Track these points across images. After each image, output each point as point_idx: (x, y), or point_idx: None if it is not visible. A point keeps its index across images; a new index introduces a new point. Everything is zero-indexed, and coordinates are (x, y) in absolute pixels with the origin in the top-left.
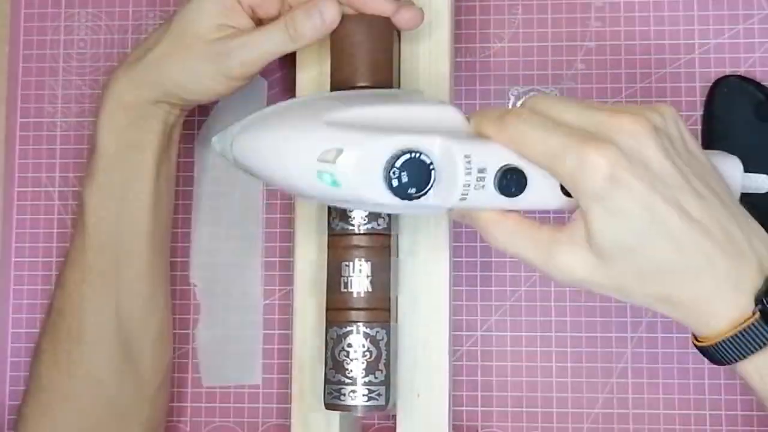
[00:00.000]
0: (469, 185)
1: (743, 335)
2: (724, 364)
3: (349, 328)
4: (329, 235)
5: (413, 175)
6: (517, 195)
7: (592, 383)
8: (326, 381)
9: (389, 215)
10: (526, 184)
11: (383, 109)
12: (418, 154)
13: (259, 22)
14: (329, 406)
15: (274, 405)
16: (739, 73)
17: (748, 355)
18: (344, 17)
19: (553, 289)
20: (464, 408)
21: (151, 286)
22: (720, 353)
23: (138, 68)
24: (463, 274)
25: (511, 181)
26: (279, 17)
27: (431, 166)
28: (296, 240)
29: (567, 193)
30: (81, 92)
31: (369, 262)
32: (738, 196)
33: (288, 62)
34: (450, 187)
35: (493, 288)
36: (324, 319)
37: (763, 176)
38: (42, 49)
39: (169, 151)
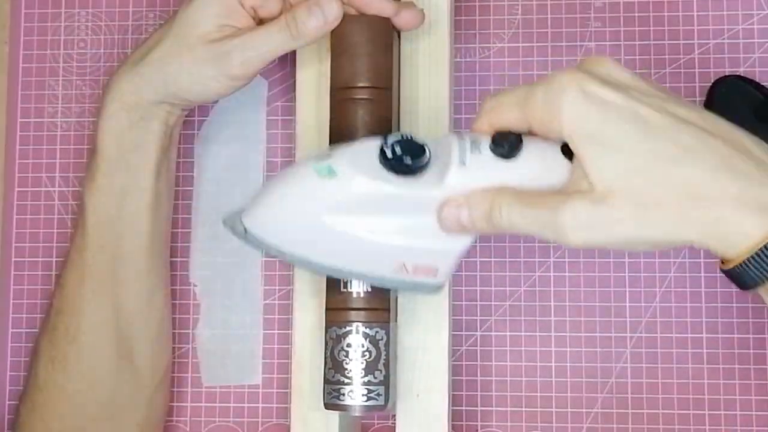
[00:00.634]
0: (465, 150)
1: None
2: (750, 288)
3: (348, 328)
4: None
5: (407, 149)
6: (513, 155)
7: (592, 383)
8: (326, 381)
9: None
10: (521, 143)
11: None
12: (409, 136)
13: (261, 22)
14: (329, 406)
15: (274, 405)
16: (738, 73)
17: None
18: (344, 17)
19: (552, 289)
20: (464, 408)
21: (150, 286)
22: (746, 273)
23: (140, 69)
24: (463, 274)
25: (505, 141)
26: (280, 16)
27: (425, 145)
28: None
29: (567, 155)
30: (81, 92)
31: None
32: None
33: (288, 62)
34: (446, 157)
35: (493, 288)
36: (324, 319)
37: None
38: (42, 49)
39: (169, 152)
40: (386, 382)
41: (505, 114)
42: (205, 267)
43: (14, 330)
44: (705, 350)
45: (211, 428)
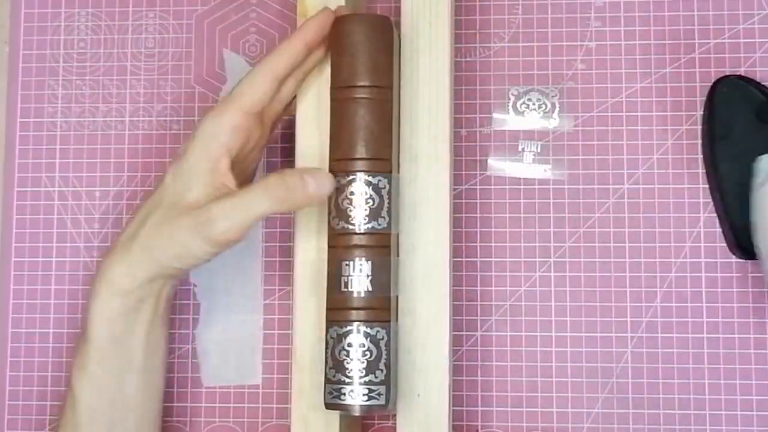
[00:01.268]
0: None
1: None
2: None
3: (349, 328)
4: (329, 235)
5: None
6: None
7: (593, 383)
8: (326, 381)
9: (390, 214)
10: None
11: None
12: None
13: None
14: (329, 406)
15: (274, 405)
16: (739, 73)
17: None
18: (344, 17)
19: (553, 289)
20: (464, 408)
21: None
22: None
23: (132, 249)
24: (463, 274)
25: None
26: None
27: None
28: (296, 240)
29: None
30: (81, 92)
31: (369, 262)
32: None
33: None
34: None
35: (493, 288)
36: (324, 319)
37: None
38: (42, 49)
39: (163, 323)
40: (387, 382)
41: None
42: (205, 267)
43: (14, 330)
44: (706, 350)
45: (211, 428)
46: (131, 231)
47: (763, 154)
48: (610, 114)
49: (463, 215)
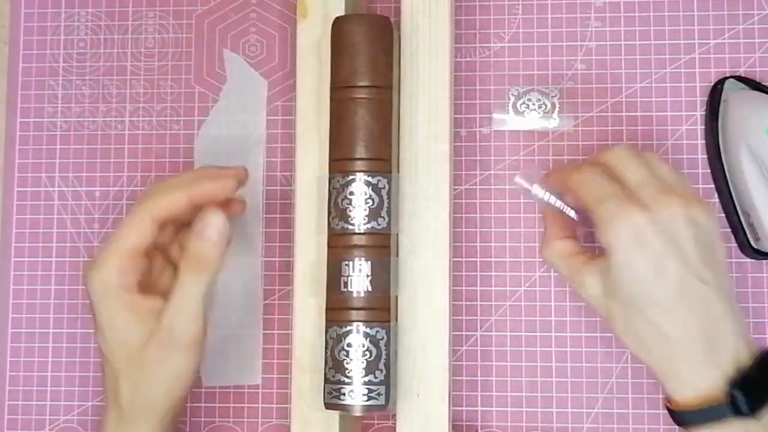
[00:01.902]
0: None
1: (709, 410)
2: (687, 427)
3: (348, 328)
4: (329, 235)
5: None
6: None
7: (593, 383)
8: (326, 381)
9: (389, 215)
10: None
11: None
12: None
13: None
14: (329, 406)
15: (274, 405)
16: (739, 74)
17: (707, 424)
18: (344, 17)
19: (553, 289)
20: (464, 408)
21: None
22: (686, 419)
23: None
24: (463, 274)
25: None
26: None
27: None
28: (296, 240)
29: None
30: (81, 92)
31: (369, 262)
32: None
33: (288, 62)
34: None
35: (493, 288)
36: (324, 319)
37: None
38: (42, 49)
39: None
40: (387, 382)
41: (584, 190)
42: None
43: (14, 330)
44: None
45: (211, 428)
46: (111, 407)
47: None
48: (610, 114)
49: (463, 215)
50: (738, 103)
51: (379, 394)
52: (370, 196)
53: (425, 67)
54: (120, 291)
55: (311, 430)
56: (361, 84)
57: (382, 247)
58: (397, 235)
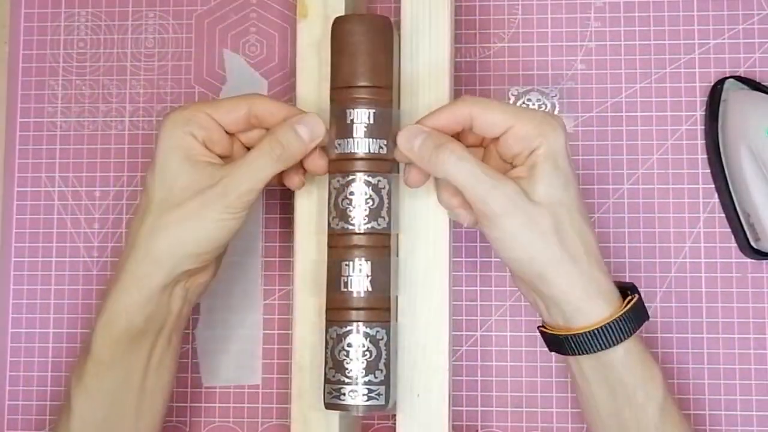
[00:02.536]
0: None
1: (596, 333)
2: (563, 354)
3: (349, 328)
4: (329, 235)
5: None
6: None
7: None
8: (326, 381)
9: (390, 215)
10: None
11: None
12: None
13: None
14: (329, 406)
15: (274, 405)
16: (738, 74)
17: (593, 351)
18: (344, 17)
19: None
20: (464, 408)
21: None
22: (572, 345)
23: (135, 261)
24: (463, 274)
25: None
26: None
27: None
28: (296, 240)
29: None
30: (81, 92)
31: (369, 262)
32: None
33: (288, 62)
34: None
35: (493, 288)
36: (324, 319)
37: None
38: (42, 49)
39: (171, 345)
40: (387, 382)
41: (491, 112)
42: None
43: (14, 330)
44: (705, 350)
45: (211, 428)
46: (129, 246)
47: None
48: (610, 114)
49: None
50: (738, 104)
51: (379, 394)
52: (371, 196)
53: (425, 67)
54: (186, 135)
55: (311, 430)
56: (361, 84)
57: (382, 247)
58: (397, 235)
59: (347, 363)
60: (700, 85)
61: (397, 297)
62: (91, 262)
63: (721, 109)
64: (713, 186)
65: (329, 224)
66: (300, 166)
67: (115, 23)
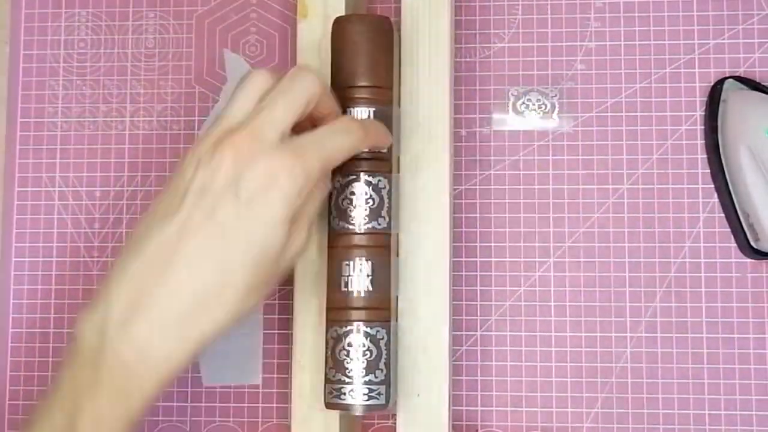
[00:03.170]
0: None
1: None
2: None
3: (349, 328)
4: (329, 235)
5: None
6: None
7: (592, 383)
8: (326, 380)
9: (390, 215)
10: None
11: None
12: None
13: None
14: (329, 406)
15: (274, 405)
16: (738, 74)
17: None
18: (344, 17)
19: (552, 289)
20: (464, 408)
21: None
22: None
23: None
24: (463, 274)
25: None
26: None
27: None
28: None
29: None
30: (81, 92)
31: (369, 262)
32: None
33: (288, 62)
34: None
35: (493, 288)
36: (324, 319)
37: None
38: (42, 49)
39: None
40: (387, 382)
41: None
42: None
43: (14, 330)
44: (705, 350)
45: (211, 428)
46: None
47: None
48: (610, 114)
49: (463, 215)
50: (738, 104)
51: (379, 394)
52: (371, 196)
53: (425, 67)
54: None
55: (311, 430)
56: (361, 84)
57: (383, 247)
58: (397, 235)
59: (347, 363)
60: (699, 85)
61: (397, 297)
62: (91, 262)
63: (720, 109)
64: (713, 186)
65: (329, 224)
66: None
67: (115, 23)
